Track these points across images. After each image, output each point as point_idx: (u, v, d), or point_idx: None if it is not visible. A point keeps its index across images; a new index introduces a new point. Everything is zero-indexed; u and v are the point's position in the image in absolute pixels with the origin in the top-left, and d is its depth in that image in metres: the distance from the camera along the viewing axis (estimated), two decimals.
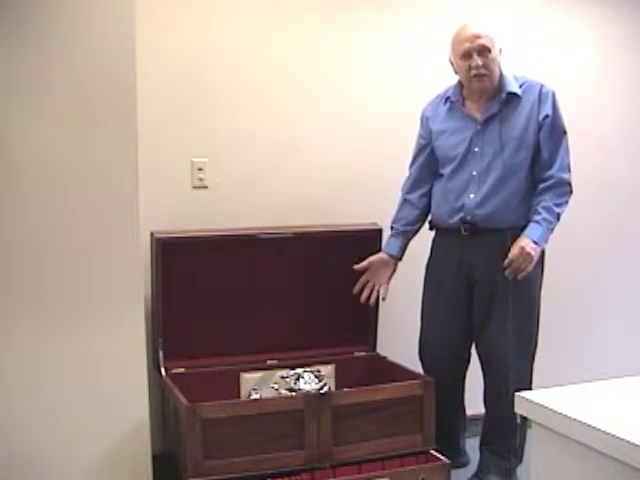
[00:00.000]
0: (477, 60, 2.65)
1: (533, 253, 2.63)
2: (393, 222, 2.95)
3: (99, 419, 2.41)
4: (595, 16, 3.64)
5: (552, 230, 2.70)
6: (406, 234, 2.92)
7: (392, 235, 2.94)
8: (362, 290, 2.90)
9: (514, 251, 2.63)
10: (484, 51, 2.66)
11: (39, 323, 2.34)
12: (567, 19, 3.59)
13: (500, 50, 2.72)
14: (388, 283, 2.90)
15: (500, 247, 2.69)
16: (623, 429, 1.23)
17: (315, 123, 3.17)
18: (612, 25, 3.68)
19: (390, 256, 2.90)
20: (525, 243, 2.63)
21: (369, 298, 2.90)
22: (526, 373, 2.79)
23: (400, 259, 2.92)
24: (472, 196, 2.74)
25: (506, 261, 2.64)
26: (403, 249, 2.92)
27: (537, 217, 2.68)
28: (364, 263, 2.89)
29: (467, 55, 2.67)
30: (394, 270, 2.92)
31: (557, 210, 2.69)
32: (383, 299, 2.93)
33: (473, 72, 2.67)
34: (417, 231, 2.94)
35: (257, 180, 3.08)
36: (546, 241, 2.69)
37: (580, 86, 3.60)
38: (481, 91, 2.73)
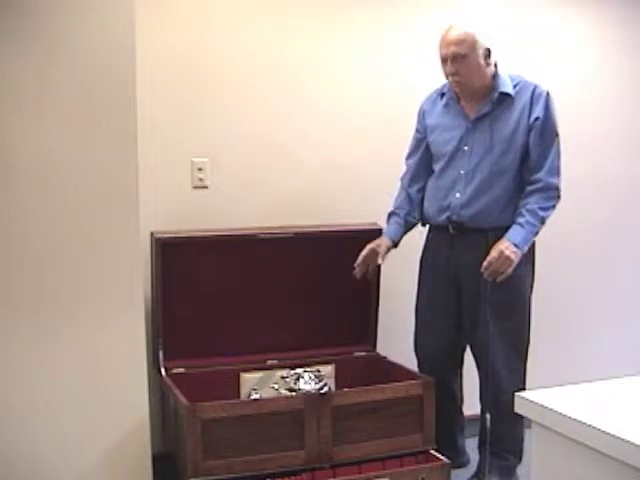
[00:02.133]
0: (450, 67, 2.67)
1: (512, 256, 2.60)
2: (395, 209, 2.90)
3: (99, 419, 2.41)
4: (596, 17, 3.64)
5: (536, 234, 2.68)
6: (407, 224, 2.90)
7: (393, 222, 2.89)
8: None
9: (493, 254, 2.61)
10: (457, 58, 2.65)
11: (39, 323, 2.34)
12: (567, 19, 3.59)
13: (489, 51, 2.67)
14: (383, 258, 2.84)
15: (486, 247, 2.67)
16: (623, 429, 1.23)
17: (315, 123, 3.17)
18: (612, 26, 3.67)
19: (390, 240, 2.86)
20: (505, 246, 2.61)
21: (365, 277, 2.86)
22: (518, 371, 2.78)
23: (396, 246, 2.89)
24: (458, 195, 2.73)
25: (484, 264, 2.62)
26: (401, 237, 2.89)
27: (520, 219, 2.65)
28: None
29: (443, 61, 2.70)
30: (388, 250, 2.86)
31: (542, 214, 2.66)
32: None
33: (449, 78, 2.70)
34: (416, 223, 2.92)
35: (257, 180, 3.08)
36: (528, 244, 2.66)
37: (580, 86, 3.60)
38: (463, 95, 2.74)
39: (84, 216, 2.37)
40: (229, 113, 3.03)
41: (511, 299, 2.73)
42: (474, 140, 2.73)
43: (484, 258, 2.63)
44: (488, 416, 2.69)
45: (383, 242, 2.84)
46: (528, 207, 2.66)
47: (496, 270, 2.61)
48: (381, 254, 2.81)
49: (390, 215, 2.93)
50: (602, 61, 3.68)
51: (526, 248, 2.66)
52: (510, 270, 2.62)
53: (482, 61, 2.67)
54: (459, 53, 2.64)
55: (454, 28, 2.67)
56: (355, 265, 2.82)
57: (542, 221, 2.67)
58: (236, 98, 3.04)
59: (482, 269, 2.62)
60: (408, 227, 2.91)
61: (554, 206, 2.70)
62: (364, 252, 2.82)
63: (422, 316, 2.91)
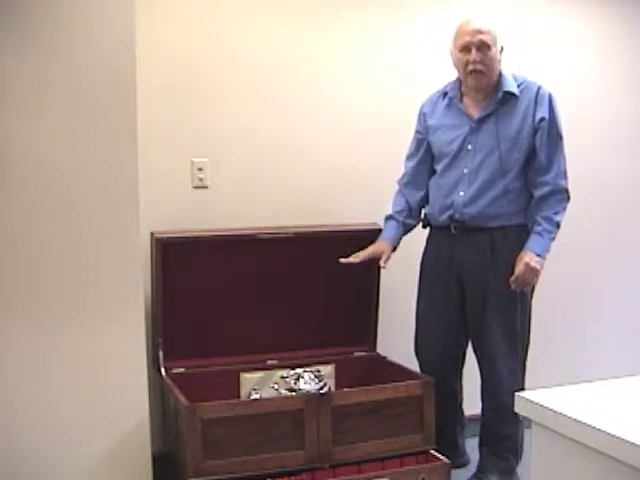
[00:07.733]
0: (475, 55, 2.64)
1: (538, 267, 2.66)
2: (393, 212, 2.91)
3: (99, 419, 2.41)
4: (595, 15, 3.64)
5: (553, 239, 2.72)
6: (405, 227, 2.91)
7: (391, 226, 2.89)
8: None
9: (519, 268, 2.65)
10: (483, 47, 2.65)
11: (39, 323, 2.34)
12: (567, 19, 3.59)
13: (502, 48, 2.71)
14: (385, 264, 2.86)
15: (489, 247, 2.71)
16: (623, 429, 1.22)
17: (315, 123, 3.17)
18: (612, 24, 3.68)
19: (390, 244, 2.86)
20: (529, 258, 2.65)
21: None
22: (518, 372, 2.79)
23: (395, 250, 2.90)
24: (462, 194, 2.74)
25: (512, 278, 2.66)
26: (399, 240, 2.90)
27: (538, 228, 2.69)
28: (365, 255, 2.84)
29: (466, 49, 2.66)
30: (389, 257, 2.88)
31: (556, 219, 2.70)
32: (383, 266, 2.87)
33: (470, 67, 2.66)
34: (414, 226, 2.93)
35: (257, 180, 3.08)
36: (548, 251, 2.71)
37: (580, 86, 3.60)
38: (477, 88, 2.72)
39: (84, 216, 2.37)
40: (229, 113, 3.03)
41: (514, 299, 2.73)
42: (478, 139, 2.73)
43: (490, 258, 2.69)
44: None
45: (385, 249, 2.83)
46: (543, 214, 2.69)
47: (524, 282, 2.68)
48: (384, 261, 2.81)
49: (387, 218, 2.92)
50: (601, 60, 3.68)
51: (547, 255, 2.70)
52: (537, 280, 2.70)
53: (499, 56, 2.70)
54: (486, 42, 2.65)
55: (475, 19, 2.68)
56: (354, 255, 2.81)
57: (558, 225, 2.72)
58: (236, 98, 3.04)
59: (510, 282, 2.67)
60: (406, 230, 2.92)
61: (565, 208, 2.74)
62: (368, 252, 2.82)
63: (423, 318, 2.90)
